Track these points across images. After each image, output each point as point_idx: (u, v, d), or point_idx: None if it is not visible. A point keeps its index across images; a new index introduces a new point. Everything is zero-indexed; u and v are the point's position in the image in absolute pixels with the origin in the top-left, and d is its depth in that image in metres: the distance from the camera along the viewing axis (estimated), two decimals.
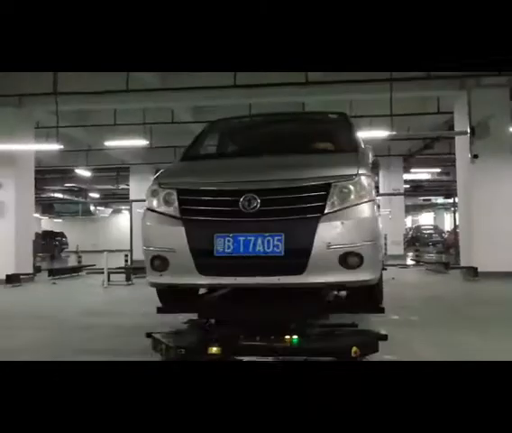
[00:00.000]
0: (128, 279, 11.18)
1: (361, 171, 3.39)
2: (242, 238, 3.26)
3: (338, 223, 3.22)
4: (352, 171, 3.38)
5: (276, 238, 3.22)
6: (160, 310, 4.05)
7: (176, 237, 3.36)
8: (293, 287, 3.45)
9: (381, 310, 3.88)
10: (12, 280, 10.92)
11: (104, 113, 13.70)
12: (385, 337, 3.57)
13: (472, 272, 10.23)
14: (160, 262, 3.47)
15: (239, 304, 3.94)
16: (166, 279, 3.50)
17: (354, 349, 3.35)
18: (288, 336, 3.45)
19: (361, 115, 12.98)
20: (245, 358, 3.27)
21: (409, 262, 17.40)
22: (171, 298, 4.01)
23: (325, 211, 3.23)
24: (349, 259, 3.22)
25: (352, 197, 3.29)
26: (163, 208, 3.50)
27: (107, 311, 7.21)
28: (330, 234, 3.21)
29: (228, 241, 3.27)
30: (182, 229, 3.35)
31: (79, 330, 5.62)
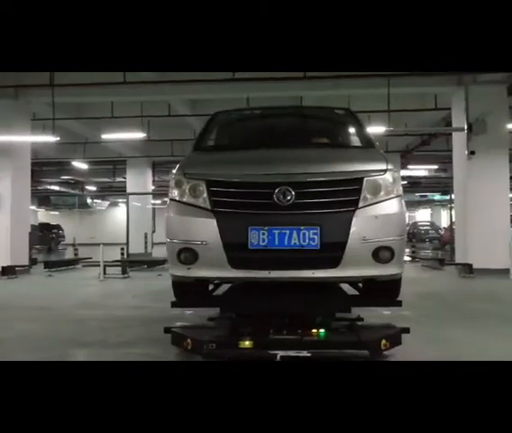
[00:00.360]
0: (124, 272, 11.18)
1: (389, 167, 3.42)
2: (276, 231, 3.18)
3: (372, 217, 3.23)
4: (382, 166, 3.41)
5: (312, 231, 3.17)
6: (174, 304, 3.91)
7: (207, 230, 3.23)
8: (327, 281, 3.53)
9: (399, 303, 3.89)
10: (7, 272, 10.90)
11: (101, 105, 13.67)
12: (407, 330, 3.70)
13: (467, 269, 10.25)
14: (188, 254, 3.30)
15: (263, 298, 3.74)
16: (194, 272, 3.34)
17: (384, 342, 3.46)
18: (314, 330, 3.53)
19: (360, 111, 12.98)
20: (279, 353, 3.28)
21: (405, 258, 17.44)
22: (187, 292, 3.90)
23: (359, 205, 3.23)
24: (381, 253, 3.25)
25: (383, 192, 3.31)
26: (190, 200, 3.34)
27: (101, 304, 7.21)
28: (364, 228, 3.21)
29: (263, 234, 3.18)
30: (214, 221, 3.21)
31: (72, 322, 5.62)
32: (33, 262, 12.82)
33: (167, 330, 3.83)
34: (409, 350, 4.09)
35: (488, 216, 10.39)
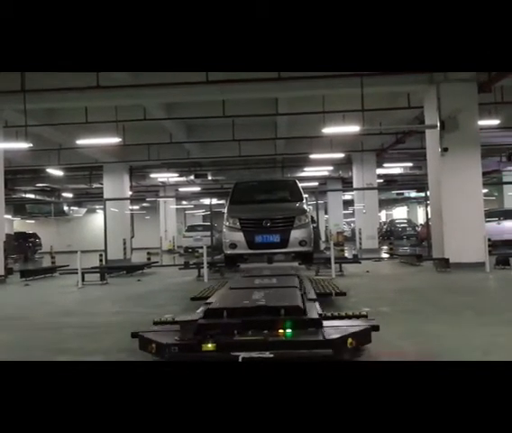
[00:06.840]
0: (102, 278, 11.06)
1: (307, 211, 8.54)
2: (264, 235, 8.08)
3: (298, 230, 8.10)
4: (303, 211, 8.46)
5: (276, 236, 8.07)
6: (227, 265, 9.78)
7: (239, 236, 8.10)
8: (282, 252, 8.62)
9: (311, 261, 9.64)
10: None
11: (74, 111, 13.50)
12: (377, 328, 3.77)
13: (444, 264, 10.43)
14: (233, 245, 8.18)
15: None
16: (235, 251, 8.22)
17: (350, 340, 3.46)
18: (281, 331, 3.55)
19: (334, 111, 13.10)
20: (241, 354, 3.25)
21: (384, 255, 17.63)
22: (231, 259, 8.96)
23: (294, 226, 8.08)
24: (302, 242, 8.10)
25: (303, 221, 8.17)
26: (233, 225, 8.22)
27: (78, 311, 7.12)
28: (296, 234, 8.08)
29: (259, 237, 8.07)
30: (241, 233, 8.10)
31: (48, 331, 5.53)
32: (9, 271, 12.58)
33: (134, 335, 3.90)
34: (391, 345, 4.15)
35: (462, 211, 10.59)
